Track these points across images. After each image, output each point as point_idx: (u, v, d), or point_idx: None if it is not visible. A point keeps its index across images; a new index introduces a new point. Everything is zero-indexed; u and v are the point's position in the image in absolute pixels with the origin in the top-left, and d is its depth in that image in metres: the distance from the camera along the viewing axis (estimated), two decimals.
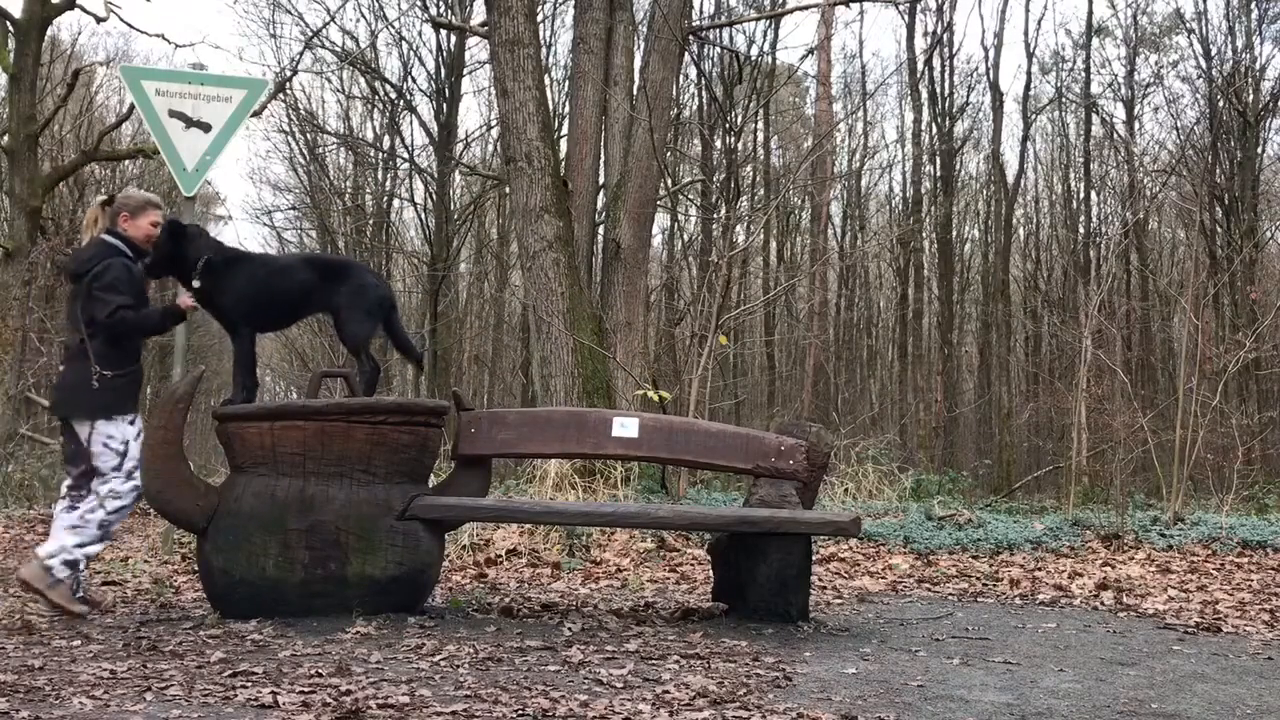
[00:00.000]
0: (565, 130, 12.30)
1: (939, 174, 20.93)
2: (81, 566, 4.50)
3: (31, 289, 13.50)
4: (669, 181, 13.95)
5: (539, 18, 13.77)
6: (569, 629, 4.15)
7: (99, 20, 15.03)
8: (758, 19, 17.92)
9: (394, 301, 4.95)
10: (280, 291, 4.63)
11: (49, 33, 16.17)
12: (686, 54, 13.09)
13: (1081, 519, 7.44)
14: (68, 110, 19.28)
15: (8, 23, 14.04)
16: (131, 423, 4.57)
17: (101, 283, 4.49)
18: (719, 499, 7.79)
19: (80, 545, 4.46)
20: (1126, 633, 4.57)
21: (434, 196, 20.30)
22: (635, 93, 9.86)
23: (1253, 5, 18.14)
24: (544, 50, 16.74)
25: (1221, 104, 18.11)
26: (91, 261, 4.57)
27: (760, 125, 21.07)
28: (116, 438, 4.52)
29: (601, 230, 10.74)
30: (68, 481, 4.64)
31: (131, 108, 13.85)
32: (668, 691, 3.11)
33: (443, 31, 19.44)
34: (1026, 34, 24.22)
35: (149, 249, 4.64)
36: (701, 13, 17.11)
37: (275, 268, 4.77)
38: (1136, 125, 20.74)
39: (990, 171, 21.34)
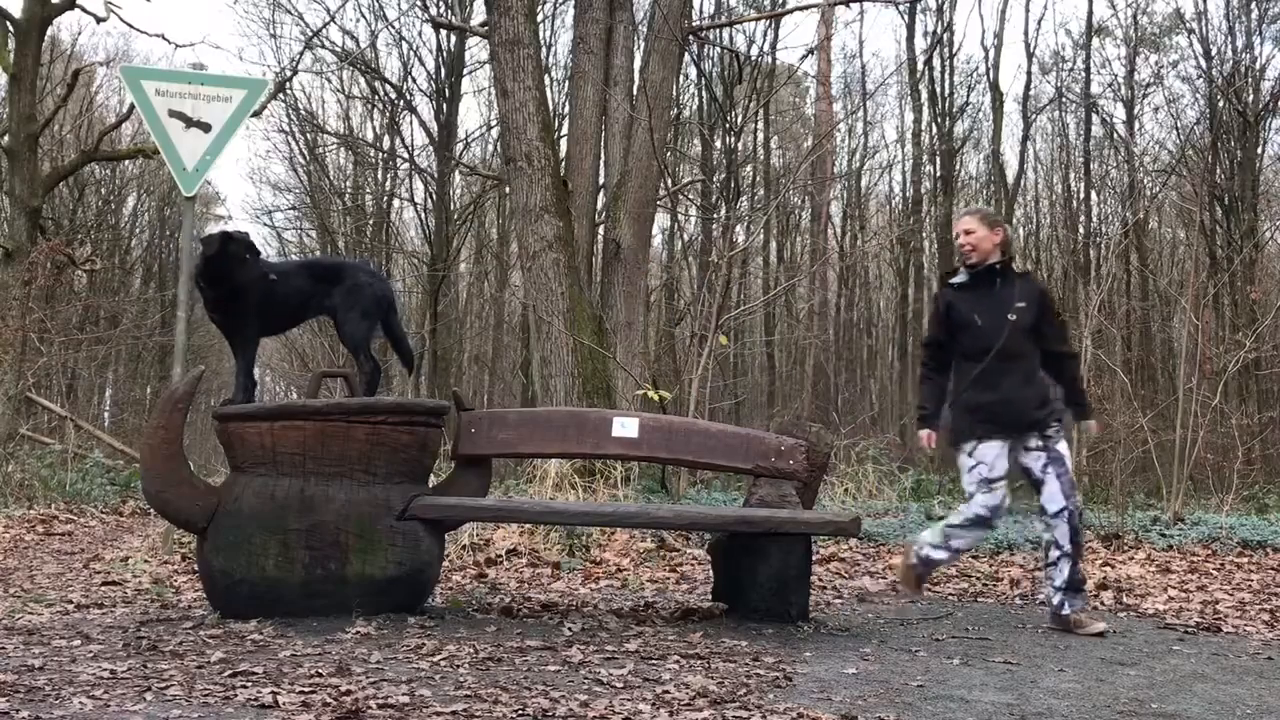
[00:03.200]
0: (565, 130, 12.31)
1: (939, 174, 20.95)
2: (931, 566, 4.81)
3: (31, 289, 13.49)
4: (669, 181, 13.95)
5: (539, 18, 13.78)
6: (569, 629, 4.15)
7: (99, 20, 15.07)
8: (758, 19, 17.92)
9: (393, 300, 4.92)
10: (279, 297, 4.63)
11: (49, 33, 16.19)
12: (686, 54, 13.11)
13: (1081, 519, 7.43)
14: (68, 110, 19.30)
15: (8, 23, 14.06)
16: (970, 452, 4.57)
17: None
18: (719, 499, 7.79)
19: (930, 544, 4.72)
20: (1126, 633, 4.57)
21: (434, 196, 20.32)
22: (635, 93, 9.86)
23: (1253, 5, 18.15)
24: (544, 50, 16.76)
25: (1221, 104, 18.11)
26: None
27: (760, 125, 21.09)
28: (967, 463, 4.60)
29: (601, 230, 10.74)
30: None
31: (131, 108, 13.86)
32: (668, 691, 3.11)
33: (443, 31, 19.47)
34: (1026, 34, 24.24)
35: (973, 259, 4.68)
36: (701, 13, 17.14)
37: (275, 273, 4.75)
38: (1136, 125, 20.75)
39: (990, 171, 21.35)
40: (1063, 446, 4.61)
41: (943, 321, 4.70)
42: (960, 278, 4.71)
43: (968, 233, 4.66)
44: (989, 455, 4.54)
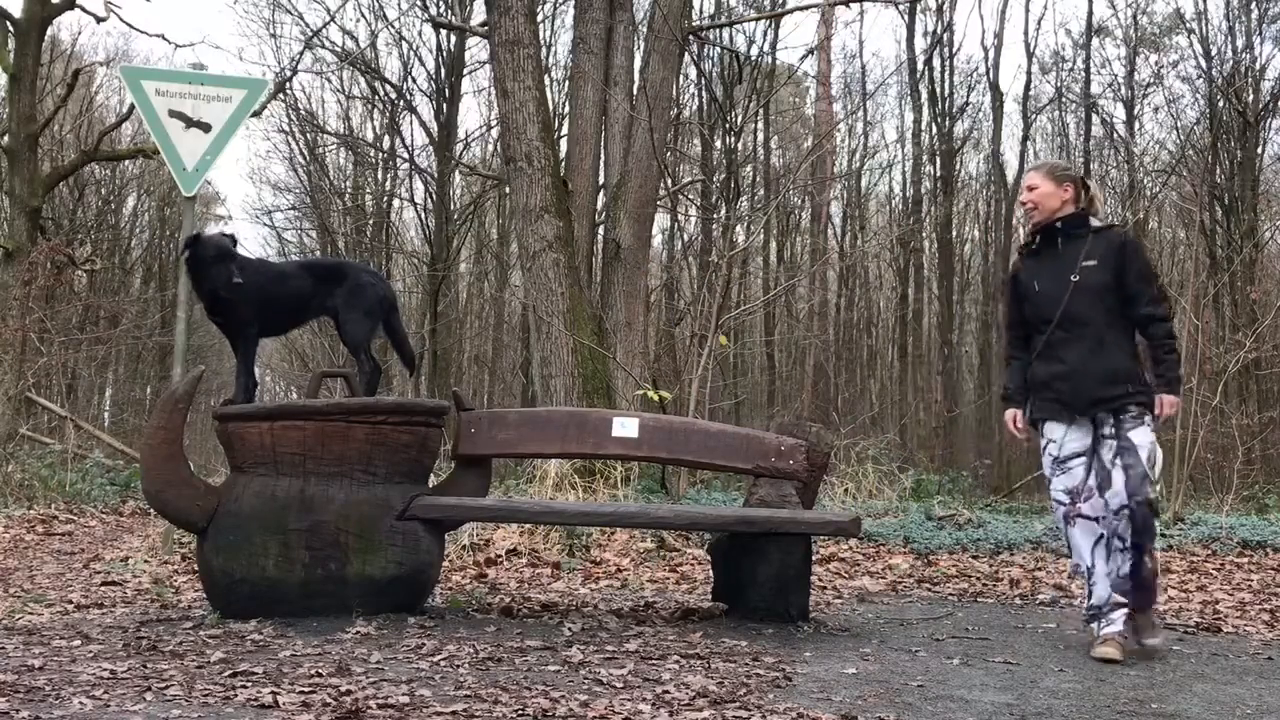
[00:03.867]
0: (565, 130, 12.30)
1: (939, 174, 20.96)
2: (1110, 619, 3.99)
3: (31, 289, 13.50)
4: (669, 181, 13.95)
5: (539, 18, 13.78)
6: (569, 629, 4.15)
7: (99, 20, 15.10)
8: (758, 19, 17.92)
9: (394, 301, 4.95)
10: (280, 297, 4.64)
11: (49, 33, 16.21)
12: (686, 54, 13.10)
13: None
14: (68, 110, 19.31)
15: (8, 23, 14.07)
16: (1041, 431, 4.13)
17: None
18: (719, 499, 7.79)
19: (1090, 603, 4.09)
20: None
21: (434, 196, 20.31)
22: (635, 93, 9.86)
23: (1253, 5, 18.15)
24: (544, 50, 16.75)
25: (1221, 104, 18.12)
26: None
27: (760, 125, 21.08)
28: (1041, 443, 4.17)
29: (601, 230, 10.74)
30: None
31: (131, 108, 13.87)
32: (668, 691, 3.11)
33: (443, 31, 19.47)
34: (1026, 34, 24.26)
35: (1038, 219, 4.17)
36: (701, 13, 17.13)
37: (274, 274, 4.76)
38: (1136, 125, 20.76)
39: (990, 171, 21.38)
40: (1138, 434, 3.97)
41: (1011, 295, 4.27)
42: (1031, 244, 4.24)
43: (1030, 189, 4.16)
44: (1057, 433, 4.08)
